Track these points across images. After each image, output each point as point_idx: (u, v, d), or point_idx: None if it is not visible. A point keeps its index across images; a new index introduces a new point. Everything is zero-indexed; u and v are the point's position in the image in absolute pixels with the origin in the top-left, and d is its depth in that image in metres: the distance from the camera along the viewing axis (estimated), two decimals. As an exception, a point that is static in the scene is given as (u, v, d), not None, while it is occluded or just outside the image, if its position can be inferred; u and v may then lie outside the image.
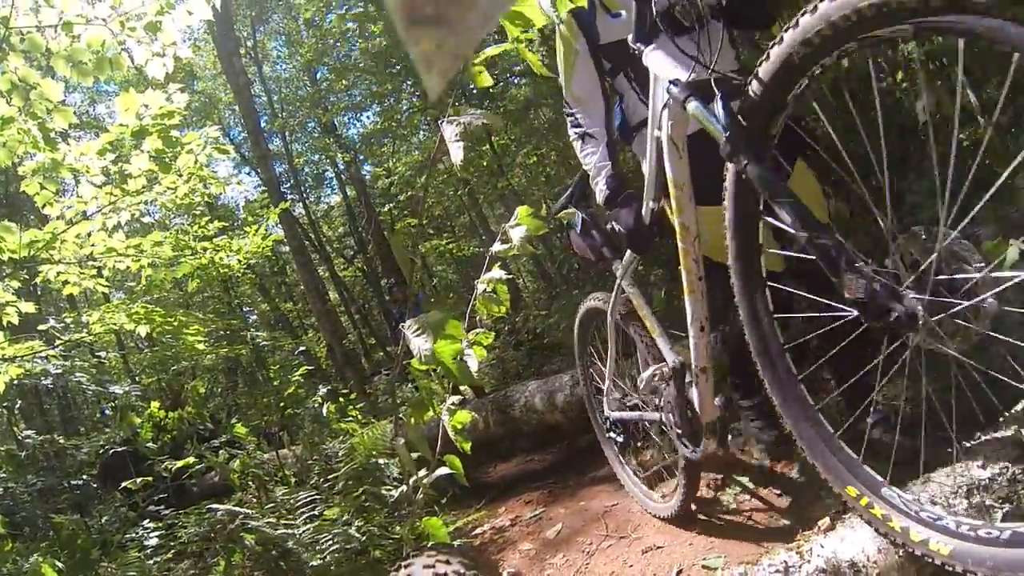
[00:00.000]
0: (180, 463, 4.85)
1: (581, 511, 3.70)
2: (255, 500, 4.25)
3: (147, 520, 4.36)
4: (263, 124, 17.50)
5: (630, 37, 2.12)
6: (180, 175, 5.03)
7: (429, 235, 22.43)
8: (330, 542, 2.80)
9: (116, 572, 3.86)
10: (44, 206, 4.70)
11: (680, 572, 2.61)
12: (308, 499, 3.10)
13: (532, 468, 5.02)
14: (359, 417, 5.74)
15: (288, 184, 21.48)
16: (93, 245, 5.02)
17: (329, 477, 3.61)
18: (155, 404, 6.03)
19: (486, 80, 1.67)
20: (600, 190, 2.70)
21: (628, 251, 2.66)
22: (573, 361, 7.49)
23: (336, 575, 2.70)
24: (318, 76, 21.49)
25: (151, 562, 3.49)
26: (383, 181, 21.09)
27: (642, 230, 2.46)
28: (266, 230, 6.80)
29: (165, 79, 4.34)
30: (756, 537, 2.65)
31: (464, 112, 1.60)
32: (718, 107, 1.72)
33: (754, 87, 1.65)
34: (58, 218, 4.79)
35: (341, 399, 6.36)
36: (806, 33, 1.42)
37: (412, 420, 1.59)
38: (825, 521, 1.92)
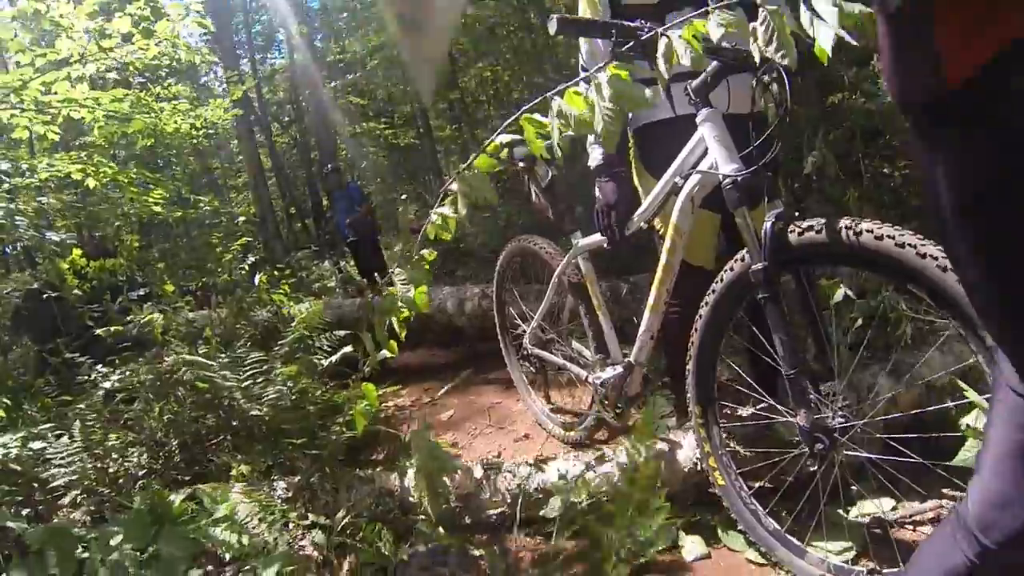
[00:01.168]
0: (124, 319, 5.03)
1: (471, 403, 4.44)
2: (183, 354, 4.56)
3: (78, 367, 4.50)
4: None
5: (692, 86, 2.14)
6: (155, 39, 5.22)
7: (368, 116, 22.30)
8: (270, 396, 3.36)
9: (41, 415, 4.03)
10: (16, 52, 4.82)
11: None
12: (259, 358, 3.58)
13: (435, 362, 5.66)
14: (288, 290, 6.06)
15: (238, 39, 21.03)
16: (55, 93, 5.12)
17: (279, 343, 4.08)
18: (78, 252, 5.99)
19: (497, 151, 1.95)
20: (595, 156, 2.71)
21: (598, 234, 2.75)
22: (482, 269, 7.91)
23: (273, 422, 3.29)
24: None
25: (93, 402, 3.77)
26: (334, 56, 20.86)
27: (620, 210, 2.61)
28: (230, 103, 6.95)
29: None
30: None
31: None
32: (767, 229, 1.86)
33: (808, 238, 1.80)
34: (28, 65, 4.91)
35: (275, 272, 6.63)
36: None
37: (379, 319, 2.17)
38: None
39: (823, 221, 1.77)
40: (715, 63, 2.07)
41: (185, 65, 6.80)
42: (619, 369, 2.84)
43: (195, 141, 7.43)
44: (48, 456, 3.05)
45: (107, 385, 3.93)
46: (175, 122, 6.31)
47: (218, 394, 3.35)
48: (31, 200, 5.84)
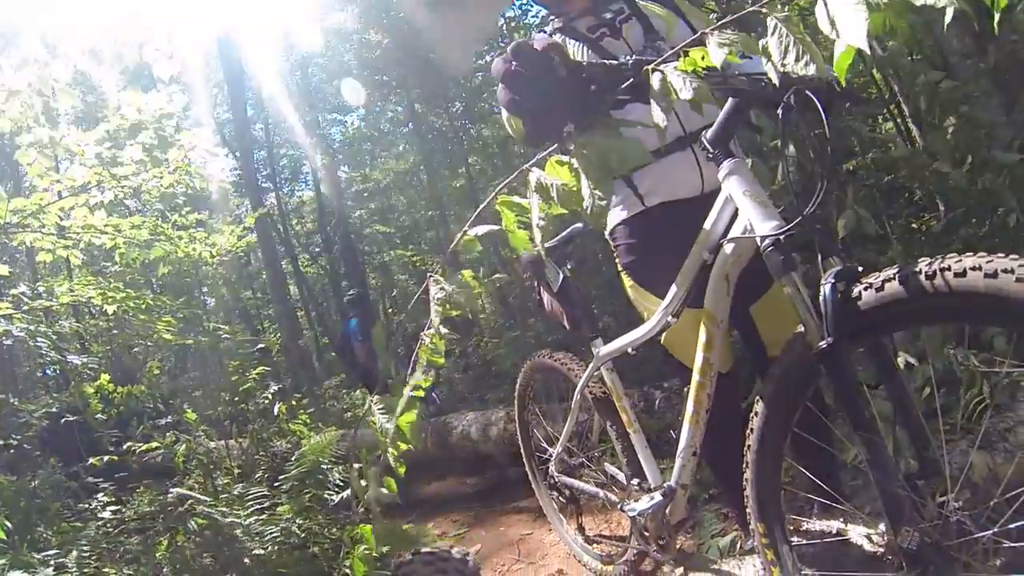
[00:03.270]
0: (145, 446, 4.87)
1: (500, 535, 4.10)
2: (198, 486, 4.42)
3: (99, 493, 4.43)
4: (248, 111, 17.63)
5: (708, 135, 1.80)
6: (168, 167, 5.28)
7: (396, 243, 22.58)
8: (274, 535, 3.07)
9: (56, 539, 3.97)
10: (34, 176, 4.93)
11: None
12: (260, 494, 3.34)
13: (463, 491, 5.40)
14: (307, 420, 5.91)
15: (265, 172, 21.56)
16: (73, 219, 5.25)
17: (280, 477, 3.82)
18: (105, 377, 5.88)
19: (475, 246, 1.63)
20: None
21: (621, 341, 2.43)
22: (511, 389, 7.72)
23: (276, 564, 2.98)
24: (310, 71, 21.63)
25: (99, 533, 3.65)
26: (358, 185, 21.30)
27: None
28: (243, 229, 6.99)
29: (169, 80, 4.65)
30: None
31: (451, 278, 1.63)
32: (826, 295, 1.47)
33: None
34: (45, 190, 5.02)
35: (294, 401, 6.53)
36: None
37: (363, 455, 1.89)
38: None
39: (894, 271, 1.39)
40: (732, 99, 1.76)
41: (205, 195, 6.90)
42: (657, 498, 2.38)
43: (212, 268, 7.44)
44: None
45: (105, 515, 3.73)
46: (193, 249, 6.25)
47: (219, 531, 3.07)
48: (53, 324, 5.87)
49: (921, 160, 4.27)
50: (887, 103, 5.42)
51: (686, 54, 1.32)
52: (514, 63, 1.59)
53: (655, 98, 1.33)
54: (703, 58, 1.30)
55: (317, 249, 23.83)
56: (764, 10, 1.28)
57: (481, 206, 1.60)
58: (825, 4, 1.17)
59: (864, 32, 1.12)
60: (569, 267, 2.80)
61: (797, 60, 1.22)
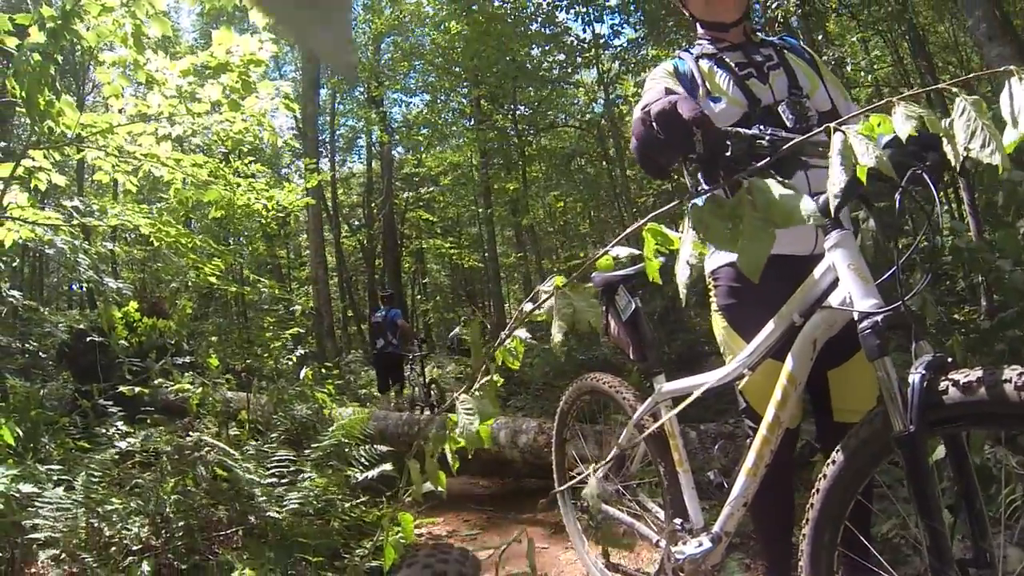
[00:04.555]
0: (175, 385, 4.89)
1: (515, 545, 3.92)
2: (208, 433, 4.35)
3: (110, 418, 4.35)
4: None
5: (830, 204, 1.34)
6: (242, 114, 5.24)
7: (436, 233, 22.65)
8: (293, 501, 2.98)
9: (57, 452, 3.92)
10: (110, 96, 4.88)
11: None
12: (285, 458, 3.26)
13: (474, 491, 5.29)
14: (332, 391, 5.84)
15: (321, 138, 21.66)
16: (139, 145, 5.14)
17: (312, 446, 3.74)
18: (134, 304, 5.91)
19: (611, 265, 1.66)
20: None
21: (688, 382, 2.41)
22: (536, 402, 7.65)
23: (289, 531, 2.89)
24: (382, 47, 21.72)
25: (110, 460, 3.58)
26: (410, 168, 21.36)
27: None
28: (302, 190, 6.95)
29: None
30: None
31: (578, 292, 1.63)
32: (915, 383, 1.46)
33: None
34: (119, 111, 4.98)
35: (323, 368, 6.49)
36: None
37: (431, 446, 1.81)
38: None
39: (983, 374, 1.39)
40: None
41: (269, 151, 6.92)
42: (707, 544, 2.33)
43: (263, 222, 7.41)
44: (36, 504, 2.75)
45: (122, 444, 3.69)
46: (248, 199, 6.22)
47: (237, 485, 2.98)
48: (98, 243, 5.83)
49: (984, 253, 4.17)
50: (943, 189, 5.34)
51: (866, 118, 1.28)
52: (655, 127, 1.63)
53: (835, 158, 1.27)
54: (881, 125, 1.25)
55: (358, 222, 23.93)
56: (955, 90, 1.25)
57: (630, 229, 1.58)
58: (1011, 94, 1.17)
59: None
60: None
61: (983, 147, 1.19)
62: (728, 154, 1.60)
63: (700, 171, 2.20)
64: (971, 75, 1.43)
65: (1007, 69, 1.19)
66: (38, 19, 4.09)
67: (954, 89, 1.25)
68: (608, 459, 2.97)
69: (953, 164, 1.24)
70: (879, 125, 1.25)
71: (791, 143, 1.47)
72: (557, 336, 1.59)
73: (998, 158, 1.16)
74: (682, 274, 1.39)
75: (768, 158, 1.49)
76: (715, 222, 1.37)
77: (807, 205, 1.31)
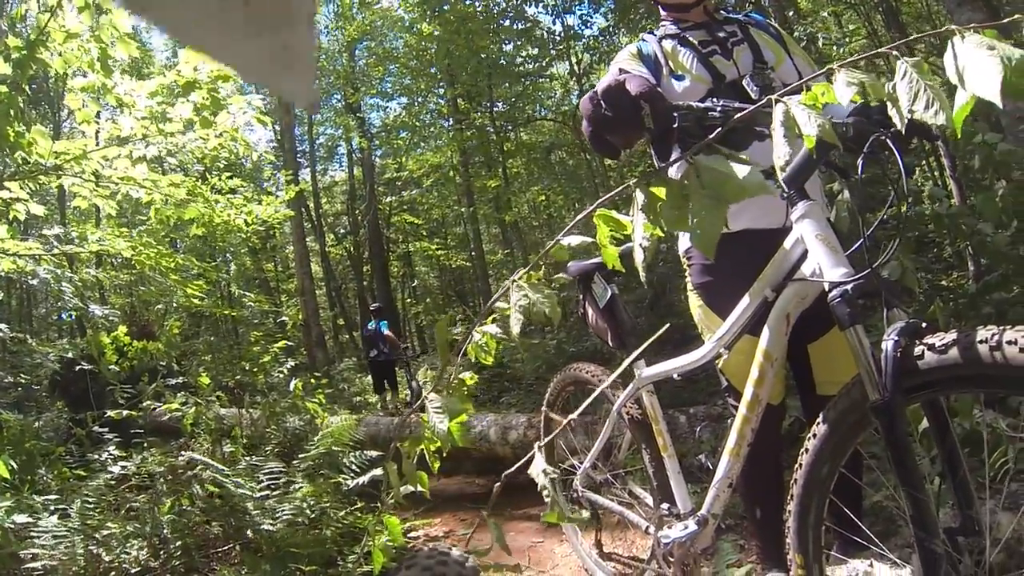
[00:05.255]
0: (165, 405, 4.90)
1: (510, 540, 3.92)
2: (204, 451, 4.38)
3: (105, 444, 4.37)
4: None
5: (784, 175, 1.40)
6: (215, 131, 5.24)
7: (422, 235, 22.66)
8: (286, 512, 3.01)
9: (55, 483, 3.94)
10: (82, 123, 4.88)
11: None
12: (276, 469, 3.28)
13: (471, 491, 5.28)
14: (323, 400, 5.86)
15: (301, 148, 21.60)
16: (115, 169, 5.14)
17: (300, 456, 3.76)
18: (123, 329, 5.92)
19: (564, 255, 1.63)
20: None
21: (667, 366, 2.40)
22: (527, 397, 7.66)
23: (284, 542, 2.92)
24: (356, 53, 21.68)
25: (104, 485, 3.59)
26: (392, 172, 21.36)
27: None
28: (280, 203, 6.95)
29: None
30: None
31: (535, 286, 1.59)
32: (887, 351, 1.45)
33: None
34: (90, 137, 5.00)
35: (312, 379, 6.51)
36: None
37: (408, 447, 1.83)
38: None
39: (957, 336, 1.39)
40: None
41: (249, 166, 6.91)
42: (692, 527, 2.32)
43: (244, 236, 7.43)
44: (32, 534, 2.75)
45: (115, 469, 3.69)
46: (227, 215, 6.21)
47: (231, 501, 3.01)
48: (82, 270, 5.83)
49: (965, 219, 4.19)
50: (925, 156, 5.35)
51: (808, 88, 1.27)
52: (603, 105, 1.64)
53: (777, 130, 1.27)
54: (824, 94, 1.25)
55: (343, 231, 23.92)
56: (895, 54, 1.23)
57: (578, 217, 1.55)
58: (955, 54, 1.14)
59: (998, 85, 1.07)
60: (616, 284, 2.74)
61: (927, 108, 1.17)
62: (676, 126, 1.63)
63: (652, 148, 2.28)
64: (909, 38, 1.41)
65: (948, 29, 1.18)
66: (3, 51, 4.11)
67: (895, 53, 1.23)
68: (595, 450, 2.98)
69: (899, 127, 1.23)
70: (823, 94, 1.25)
71: (742, 113, 1.45)
72: (515, 328, 1.58)
73: (943, 118, 1.16)
74: (638, 257, 1.38)
75: (719, 128, 1.44)
76: (663, 202, 1.38)
77: (754, 177, 1.30)
